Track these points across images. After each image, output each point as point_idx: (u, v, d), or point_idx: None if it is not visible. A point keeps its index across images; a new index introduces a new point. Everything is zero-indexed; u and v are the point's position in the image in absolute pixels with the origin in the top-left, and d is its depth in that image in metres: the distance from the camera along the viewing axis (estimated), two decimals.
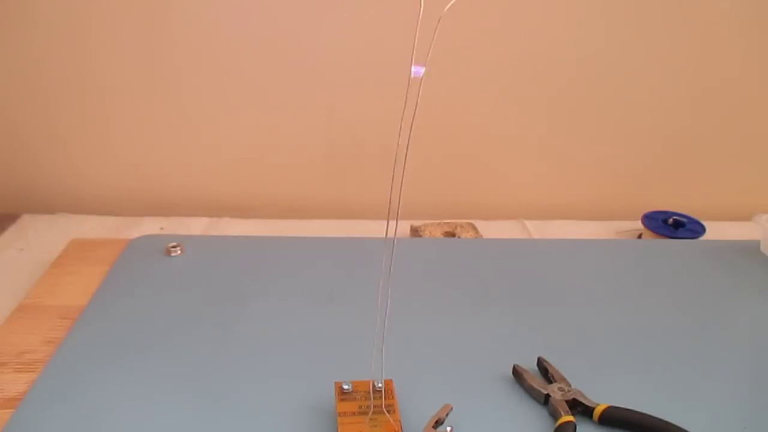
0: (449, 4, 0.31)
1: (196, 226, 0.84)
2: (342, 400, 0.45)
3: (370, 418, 0.44)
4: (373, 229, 0.78)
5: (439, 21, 0.31)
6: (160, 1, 0.77)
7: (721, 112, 0.87)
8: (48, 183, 0.89)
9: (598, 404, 0.47)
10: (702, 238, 0.79)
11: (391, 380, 0.46)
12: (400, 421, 0.44)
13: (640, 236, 0.83)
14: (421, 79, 0.33)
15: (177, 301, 0.60)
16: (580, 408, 0.48)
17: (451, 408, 0.45)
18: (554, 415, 0.47)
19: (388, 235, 0.38)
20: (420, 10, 0.32)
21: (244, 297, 0.61)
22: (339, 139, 0.87)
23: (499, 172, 0.92)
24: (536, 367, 0.52)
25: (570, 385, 0.49)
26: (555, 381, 0.50)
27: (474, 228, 0.82)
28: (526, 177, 0.92)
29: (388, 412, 0.44)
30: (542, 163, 0.91)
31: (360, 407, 0.45)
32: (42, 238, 0.78)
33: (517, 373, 0.51)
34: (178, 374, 0.51)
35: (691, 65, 0.84)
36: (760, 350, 0.56)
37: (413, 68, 0.34)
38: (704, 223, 0.81)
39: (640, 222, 0.81)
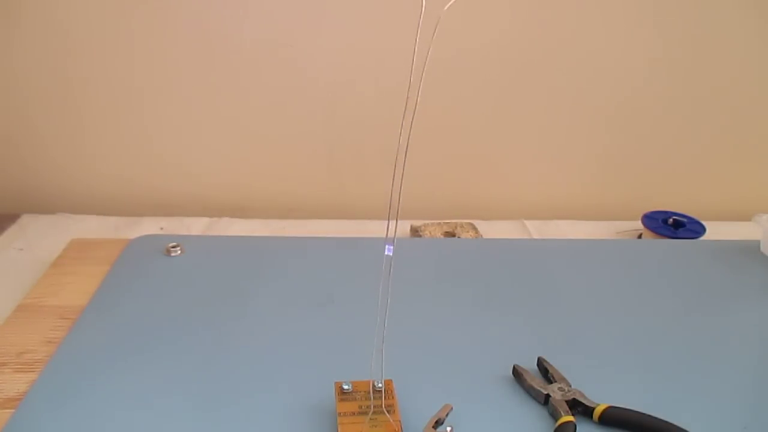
0: (449, 4, 0.31)
1: (196, 226, 0.84)
2: (342, 400, 0.45)
3: (370, 418, 0.44)
4: (373, 229, 0.78)
5: (438, 21, 0.31)
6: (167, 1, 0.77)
7: (721, 113, 0.87)
8: (48, 183, 0.89)
9: (598, 404, 0.47)
10: (702, 238, 0.79)
11: (391, 380, 0.46)
12: (400, 421, 0.44)
13: (640, 236, 0.83)
14: (419, 89, 0.33)
15: (177, 301, 0.60)
16: (580, 408, 0.48)
17: (451, 408, 0.45)
18: (554, 415, 0.47)
19: (388, 235, 0.38)
20: (422, 10, 0.32)
21: (244, 297, 0.61)
22: (339, 139, 0.87)
23: (499, 172, 0.92)
24: (536, 367, 0.52)
25: (570, 385, 0.49)
26: (555, 381, 0.50)
27: (474, 228, 0.82)
28: (526, 177, 0.92)
29: (388, 412, 0.44)
30: (542, 163, 0.91)
31: (360, 407, 0.45)
32: (42, 238, 0.78)
33: (517, 373, 0.51)
34: (177, 374, 0.51)
35: (692, 65, 0.84)
36: (760, 350, 0.56)
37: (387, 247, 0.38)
38: (704, 223, 0.81)
39: (640, 222, 0.81)
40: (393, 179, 0.36)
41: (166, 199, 0.89)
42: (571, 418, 0.46)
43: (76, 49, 0.80)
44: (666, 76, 0.84)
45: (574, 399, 0.48)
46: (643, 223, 0.81)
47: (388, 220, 0.38)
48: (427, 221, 0.82)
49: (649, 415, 0.46)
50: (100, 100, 0.83)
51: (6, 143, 0.86)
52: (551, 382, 0.50)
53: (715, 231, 0.80)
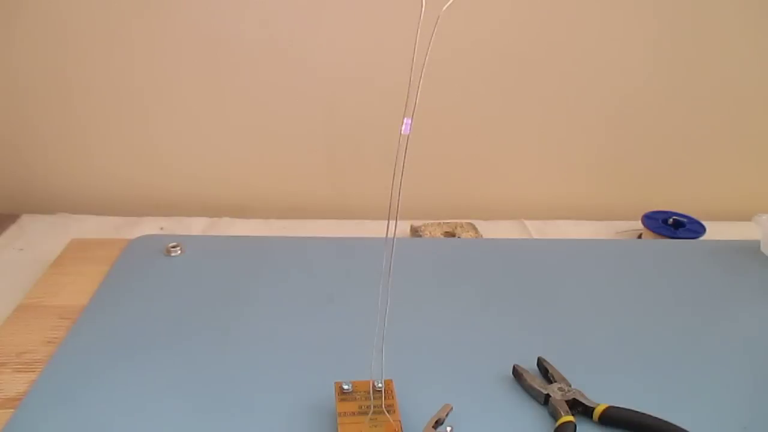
0: (447, 4, 0.31)
1: (196, 226, 0.84)
2: (342, 400, 0.45)
3: (370, 418, 0.44)
4: (373, 229, 0.78)
5: (437, 20, 0.31)
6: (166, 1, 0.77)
7: (721, 112, 0.87)
8: (48, 183, 0.89)
9: (598, 404, 0.47)
10: (702, 238, 0.79)
11: (391, 380, 0.46)
12: (400, 421, 0.44)
13: (640, 236, 0.83)
14: (418, 89, 0.33)
15: (177, 301, 0.60)
16: (580, 408, 0.48)
17: (451, 408, 0.45)
18: (554, 415, 0.47)
19: (388, 235, 0.38)
20: (422, 10, 0.32)
21: (244, 297, 0.61)
22: (339, 139, 0.87)
23: (499, 172, 0.92)
24: (536, 367, 0.52)
25: (570, 385, 0.49)
26: (555, 381, 0.50)
27: (474, 228, 0.82)
28: (526, 177, 0.92)
29: (388, 412, 0.44)
30: (542, 163, 0.91)
31: (360, 407, 0.45)
32: (42, 238, 0.78)
33: (517, 373, 0.51)
34: (178, 374, 0.51)
35: (692, 65, 0.84)
36: (760, 350, 0.56)
37: (405, 122, 0.35)
38: (704, 223, 0.81)
39: (640, 222, 0.81)
40: (393, 179, 0.36)
41: (166, 199, 0.89)
42: (571, 418, 0.46)
43: (76, 50, 0.80)
44: (666, 75, 0.84)
45: (574, 399, 0.48)
46: (643, 223, 0.81)
47: (388, 220, 0.38)
48: (427, 221, 0.82)
49: (649, 415, 0.46)
50: (100, 101, 0.83)
51: (6, 143, 0.86)
52: (551, 382, 0.50)
53: (715, 231, 0.80)
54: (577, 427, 0.46)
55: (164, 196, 0.89)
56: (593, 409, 0.47)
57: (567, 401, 0.47)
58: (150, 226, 0.81)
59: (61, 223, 0.82)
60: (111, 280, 0.63)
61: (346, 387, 0.46)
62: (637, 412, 0.46)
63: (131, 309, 0.59)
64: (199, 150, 0.88)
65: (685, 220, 0.81)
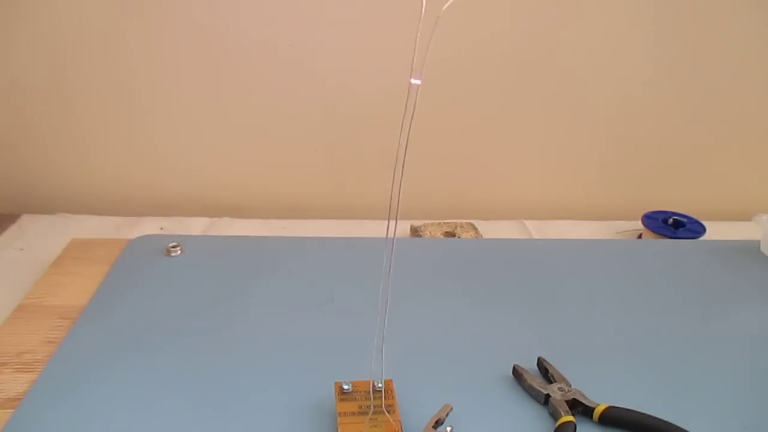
0: (447, 4, 0.31)
1: (196, 226, 0.84)
2: (342, 400, 0.45)
3: (370, 418, 0.44)
4: (373, 229, 0.78)
5: (437, 20, 0.31)
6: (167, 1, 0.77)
7: (721, 113, 0.87)
8: (48, 183, 0.89)
9: (598, 404, 0.47)
10: (702, 238, 0.79)
11: (391, 380, 0.46)
12: (400, 421, 0.44)
13: (640, 236, 0.83)
14: (419, 83, 0.33)
15: (177, 301, 0.60)
16: (580, 408, 0.48)
17: (451, 408, 0.45)
18: (554, 415, 0.47)
19: (388, 235, 0.38)
20: (422, 9, 0.32)
21: (244, 297, 0.61)
22: (339, 139, 0.87)
23: (499, 172, 0.92)
24: (536, 367, 0.52)
25: (570, 385, 0.49)
26: (555, 381, 0.50)
27: (474, 228, 0.82)
28: (526, 177, 0.92)
29: (388, 412, 0.44)
30: (542, 163, 0.91)
31: (360, 407, 0.45)
32: (42, 238, 0.78)
33: (517, 373, 0.51)
34: (177, 374, 0.51)
35: (692, 65, 0.84)
36: (760, 350, 0.56)
37: (412, 80, 0.34)
38: (704, 223, 0.81)
39: (640, 222, 0.81)
40: (393, 179, 0.36)
41: (166, 199, 0.89)
42: (571, 418, 0.46)
43: (76, 49, 0.80)
44: (666, 76, 0.84)
45: (574, 399, 0.48)
46: (643, 223, 0.81)
47: (388, 220, 0.38)
48: (427, 221, 0.82)
49: (649, 415, 0.46)
50: (100, 100, 0.83)
51: (6, 143, 0.86)
52: (551, 382, 0.50)
53: (715, 231, 0.80)
54: (577, 427, 0.46)
55: (164, 196, 0.89)
56: (593, 409, 0.47)
57: (567, 401, 0.47)
58: (150, 226, 0.81)
59: (61, 223, 0.82)
60: (111, 280, 0.63)
61: (346, 387, 0.46)
62: (637, 412, 0.46)
63: (131, 309, 0.59)
64: (199, 150, 0.88)
65: (685, 220, 0.81)
